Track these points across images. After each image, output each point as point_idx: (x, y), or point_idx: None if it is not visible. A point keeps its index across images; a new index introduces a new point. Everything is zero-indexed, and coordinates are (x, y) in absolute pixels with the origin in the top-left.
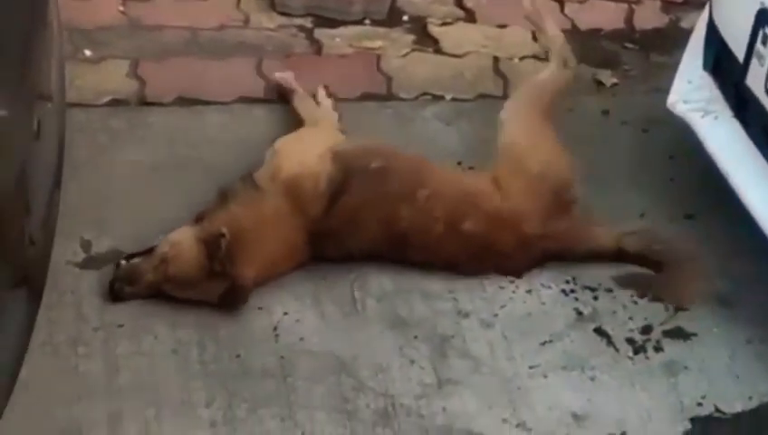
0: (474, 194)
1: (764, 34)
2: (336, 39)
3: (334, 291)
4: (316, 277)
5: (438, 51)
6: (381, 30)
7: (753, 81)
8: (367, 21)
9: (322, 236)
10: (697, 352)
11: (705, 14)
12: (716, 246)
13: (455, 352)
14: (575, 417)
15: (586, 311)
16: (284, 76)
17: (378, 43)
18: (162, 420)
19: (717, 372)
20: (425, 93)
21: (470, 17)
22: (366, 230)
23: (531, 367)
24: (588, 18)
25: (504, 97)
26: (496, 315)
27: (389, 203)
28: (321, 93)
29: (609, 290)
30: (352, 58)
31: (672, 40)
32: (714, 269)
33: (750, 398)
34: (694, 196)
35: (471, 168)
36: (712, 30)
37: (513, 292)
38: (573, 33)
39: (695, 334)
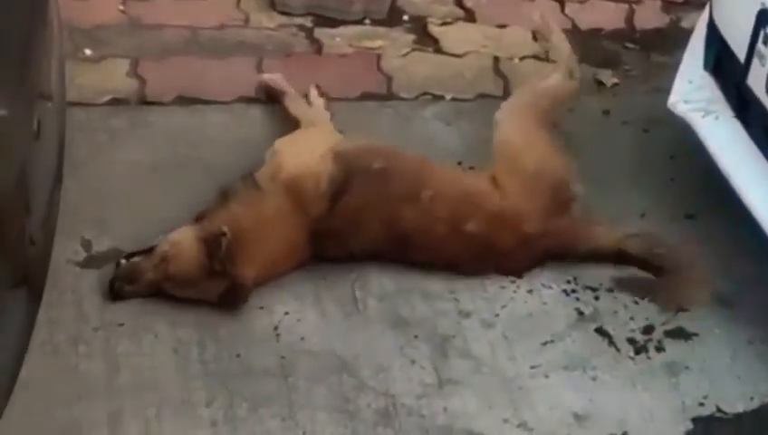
0: (474, 194)
1: (765, 34)
2: (336, 38)
3: (335, 291)
4: (317, 277)
5: (438, 50)
6: (381, 29)
7: (754, 81)
8: (367, 20)
9: (323, 235)
10: (699, 352)
11: (705, 14)
12: (717, 246)
13: (456, 352)
14: (576, 417)
15: (587, 311)
16: (273, 78)
17: (378, 43)
18: (163, 419)
19: (719, 373)
20: (425, 93)
21: (470, 17)
22: (367, 230)
23: (532, 367)
24: (588, 18)
25: (505, 97)
26: (497, 315)
27: (391, 204)
28: (314, 93)
29: (611, 290)
30: (352, 58)
31: (673, 40)
32: (715, 270)
33: (751, 398)
34: (695, 196)
35: (471, 168)
36: (713, 30)
37: (515, 292)
38: (574, 33)
39: (696, 334)
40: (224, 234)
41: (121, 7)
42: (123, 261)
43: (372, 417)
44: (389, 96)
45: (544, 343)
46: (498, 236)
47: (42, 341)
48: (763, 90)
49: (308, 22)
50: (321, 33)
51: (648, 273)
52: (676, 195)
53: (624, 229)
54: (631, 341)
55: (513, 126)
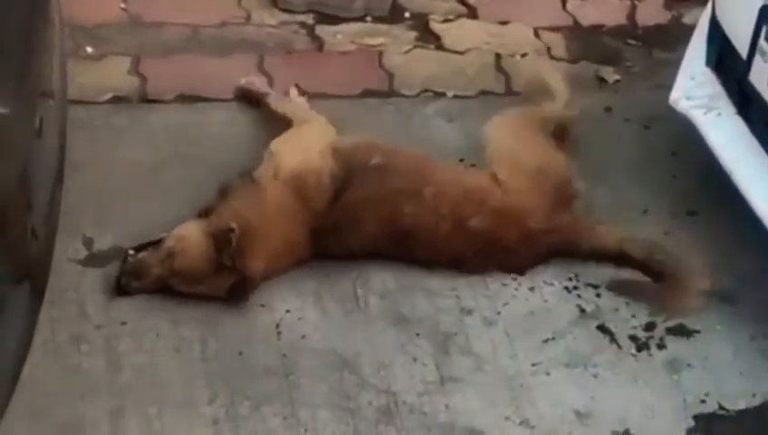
0: (477, 190)
1: (767, 31)
2: (338, 36)
3: (337, 288)
4: (318, 275)
5: (440, 47)
6: (383, 27)
7: (757, 77)
8: (368, 17)
9: (325, 232)
10: (701, 349)
11: (707, 11)
12: (719, 242)
13: (457, 350)
14: (578, 414)
15: (589, 308)
16: (251, 80)
17: (379, 40)
18: (164, 417)
19: (721, 370)
20: (426, 90)
21: (472, 14)
22: (367, 227)
23: (533, 365)
24: (590, 15)
25: (507, 94)
26: (499, 313)
27: (390, 200)
28: (294, 93)
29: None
30: (354, 55)
31: (674, 36)
32: (716, 266)
33: (754, 395)
34: (696, 192)
35: (473, 165)
36: (715, 26)
37: (516, 289)
38: (575, 30)
39: (698, 331)
40: (232, 229)
41: (123, 5)
42: (131, 252)
43: (374, 414)
44: (391, 93)
45: (546, 341)
46: (502, 233)
47: (44, 339)
48: (766, 86)
49: (309, 19)
50: (322, 30)
51: (645, 277)
52: (677, 191)
53: (626, 231)
54: (633, 338)
55: (507, 133)
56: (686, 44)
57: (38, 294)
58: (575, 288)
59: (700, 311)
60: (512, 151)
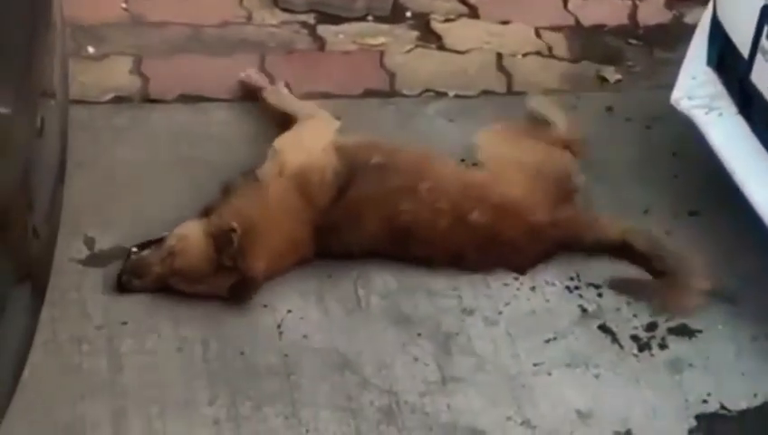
0: (478, 186)
1: None
2: (339, 35)
3: (338, 288)
4: (320, 275)
5: (441, 47)
6: (384, 26)
7: (758, 77)
8: (370, 17)
9: (327, 231)
10: (702, 349)
11: (709, 10)
12: (721, 242)
13: (459, 350)
14: (580, 414)
15: (590, 308)
16: (249, 74)
17: (381, 40)
18: (166, 417)
19: (723, 370)
20: (428, 90)
21: (473, 13)
22: (368, 226)
23: (535, 364)
24: (591, 14)
25: (508, 94)
26: (501, 313)
27: (389, 199)
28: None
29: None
30: (355, 54)
31: (676, 36)
32: (718, 266)
33: (755, 395)
34: (698, 192)
35: (474, 164)
36: (716, 26)
37: (518, 289)
38: (577, 30)
39: (700, 331)
40: (233, 229)
41: (124, 5)
42: (135, 250)
43: (375, 414)
44: (392, 93)
45: (547, 341)
46: (504, 227)
47: (45, 339)
48: (767, 86)
49: (311, 19)
50: (323, 29)
51: (646, 273)
52: (679, 191)
53: (629, 223)
54: (635, 338)
55: (497, 139)
56: (687, 44)
57: (39, 293)
58: (577, 288)
59: (702, 311)
60: (505, 154)
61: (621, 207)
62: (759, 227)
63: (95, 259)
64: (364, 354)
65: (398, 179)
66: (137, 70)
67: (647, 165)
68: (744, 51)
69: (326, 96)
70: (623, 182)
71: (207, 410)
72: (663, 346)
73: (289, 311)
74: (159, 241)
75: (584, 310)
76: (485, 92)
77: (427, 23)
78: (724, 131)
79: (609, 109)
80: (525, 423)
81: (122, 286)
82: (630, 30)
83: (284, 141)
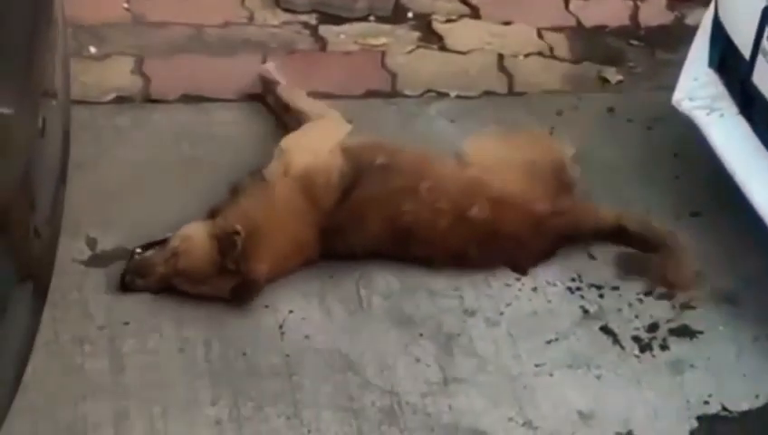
0: (478, 183)
1: None
2: (341, 36)
3: (340, 289)
4: (322, 275)
5: (443, 48)
6: (386, 27)
7: (759, 78)
8: (371, 17)
9: (331, 232)
10: (704, 350)
11: (710, 11)
12: (722, 243)
13: (460, 351)
14: (581, 415)
15: (592, 309)
16: (269, 68)
17: (382, 40)
18: (168, 418)
19: (724, 371)
20: (429, 90)
21: (475, 14)
22: (371, 227)
23: (536, 365)
24: (593, 15)
25: (509, 94)
26: (502, 313)
27: (391, 199)
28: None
29: (615, 288)
30: (357, 55)
31: (677, 37)
32: (720, 267)
33: (757, 396)
34: (699, 193)
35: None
36: (717, 27)
37: (519, 290)
38: (578, 31)
39: (701, 332)
40: (237, 232)
41: (126, 5)
42: (138, 250)
43: (377, 415)
44: (394, 93)
45: (549, 342)
46: (507, 221)
47: (47, 340)
48: None
49: (312, 19)
50: (325, 30)
51: (644, 252)
52: (680, 192)
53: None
54: (636, 339)
55: (486, 141)
56: (688, 45)
57: (41, 294)
58: (578, 289)
59: (704, 309)
60: (496, 154)
61: (623, 208)
62: (760, 228)
63: (97, 260)
64: (366, 355)
65: (400, 180)
66: (138, 70)
67: (648, 166)
68: (746, 52)
69: (327, 96)
70: (624, 183)
71: (209, 411)
72: (664, 347)
73: (291, 311)
74: (163, 242)
75: (586, 311)
76: (487, 93)
77: (429, 23)
78: (726, 132)
79: (611, 110)
80: (527, 424)
81: (125, 286)
82: (632, 31)
83: (291, 141)
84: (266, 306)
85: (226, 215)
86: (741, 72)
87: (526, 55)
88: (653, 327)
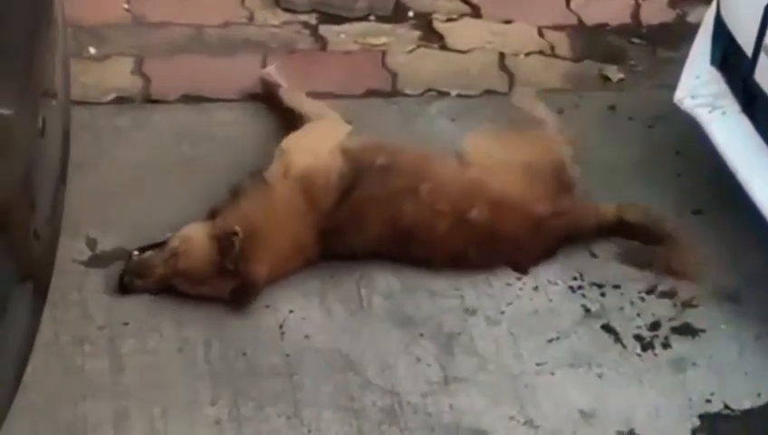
0: (478, 184)
1: None
2: (341, 35)
3: (340, 289)
4: (322, 275)
5: (444, 47)
6: (386, 26)
7: (762, 75)
8: (372, 17)
9: (331, 233)
10: (706, 348)
11: (712, 9)
12: (724, 241)
13: (461, 350)
14: (583, 414)
15: (593, 307)
16: (270, 71)
17: (383, 40)
18: (168, 418)
19: (726, 369)
20: (430, 89)
21: (475, 13)
22: (371, 228)
23: (538, 364)
24: (594, 13)
25: (510, 93)
26: (503, 313)
27: (392, 200)
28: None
29: (617, 286)
30: (357, 54)
31: (679, 35)
32: (722, 265)
33: (759, 394)
34: (701, 191)
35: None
36: (719, 25)
37: (520, 289)
38: (579, 29)
39: (703, 331)
40: (236, 233)
41: (126, 5)
42: (136, 253)
43: (378, 415)
44: (394, 93)
45: (550, 340)
46: (506, 222)
47: (47, 340)
48: None
49: (312, 19)
50: (325, 29)
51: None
52: (682, 190)
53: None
54: (638, 337)
55: (486, 140)
56: (690, 43)
57: (41, 294)
58: (580, 287)
59: (706, 307)
60: (496, 154)
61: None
62: (762, 226)
63: (97, 260)
64: (366, 355)
65: (400, 181)
66: (138, 70)
67: (650, 164)
68: (748, 50)
69: (328, 96)
70: (626, 181)
71: (209, 411)
72: (666, 346)
73: (291, 311)
74: (161, 245)
75: (587, 310)
76: (488, 92)
77: (429, 22)
78: (728, 130)
79: (612, 108)
80: (528, 423)
81: (124, 287)
82: (633, 29)
83: (291, 142)
84: (266, 306)
85: (226, 216)
86: (743, 70)
87: (527, 54)
88: (655, 326)
